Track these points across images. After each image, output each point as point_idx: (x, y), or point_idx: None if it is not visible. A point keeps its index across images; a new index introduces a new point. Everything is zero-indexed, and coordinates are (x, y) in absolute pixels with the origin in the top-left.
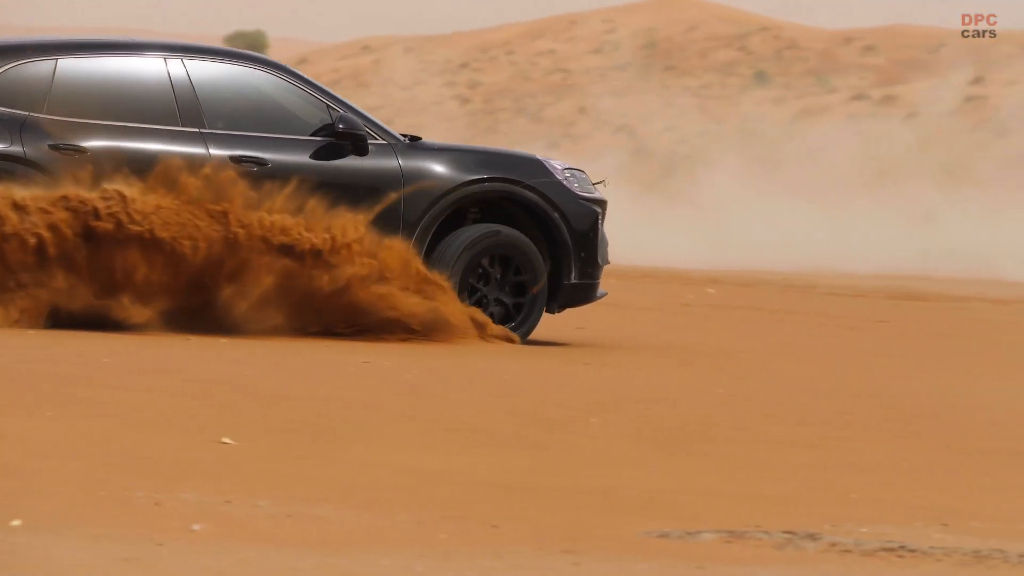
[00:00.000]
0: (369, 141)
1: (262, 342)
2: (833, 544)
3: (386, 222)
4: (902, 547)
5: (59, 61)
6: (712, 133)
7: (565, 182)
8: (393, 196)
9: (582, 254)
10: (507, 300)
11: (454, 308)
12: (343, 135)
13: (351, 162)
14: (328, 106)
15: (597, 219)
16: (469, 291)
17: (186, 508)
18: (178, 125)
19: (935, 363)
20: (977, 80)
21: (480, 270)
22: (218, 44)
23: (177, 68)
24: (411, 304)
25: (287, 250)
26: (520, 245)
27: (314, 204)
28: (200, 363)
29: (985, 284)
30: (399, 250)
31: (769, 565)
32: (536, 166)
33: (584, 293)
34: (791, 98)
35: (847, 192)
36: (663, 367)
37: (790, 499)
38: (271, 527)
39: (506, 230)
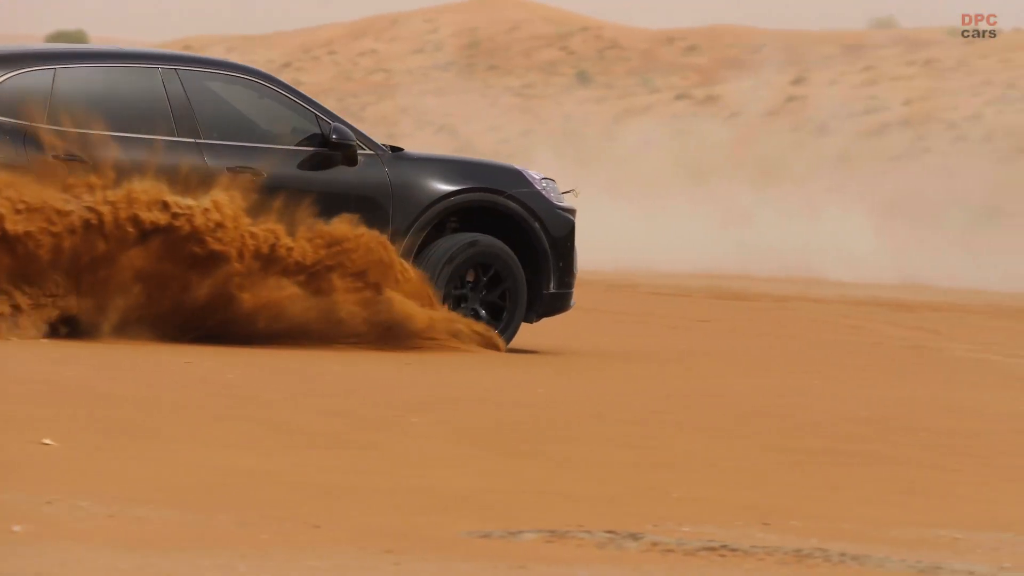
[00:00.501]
0: (358, 152)
1: (83, 343)
2: (655, 543)
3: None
4: (724, 546)
5: (58, 71)
6: (534, 132)
7: (543, 192)
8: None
9: (560, 263)
10: (485, 310)
11: (354, 305)
12: (336, 145)
13: (343, 172)
14: (318, 117)
15: (573, 228)
16: (453, 301)
17: (6, 509)
18: (174, 135)
19: (756, 362)
20: (798, 80)
21: (461, 280)
22: (52, 44)
23: (172, 79)
24: (302, 310)
25: (162, 233)
26: (501, 254)
27: (188, 172)
28: (20, 363)
29: (805, 283)
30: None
31: (591, 565)
32: (516, 176)
33: (561, 302)
34: (613, 98)
35: (668, 192)
36: (484, 367)
37: (612, 498)
38: (92, 527)
39: (487, 239)
